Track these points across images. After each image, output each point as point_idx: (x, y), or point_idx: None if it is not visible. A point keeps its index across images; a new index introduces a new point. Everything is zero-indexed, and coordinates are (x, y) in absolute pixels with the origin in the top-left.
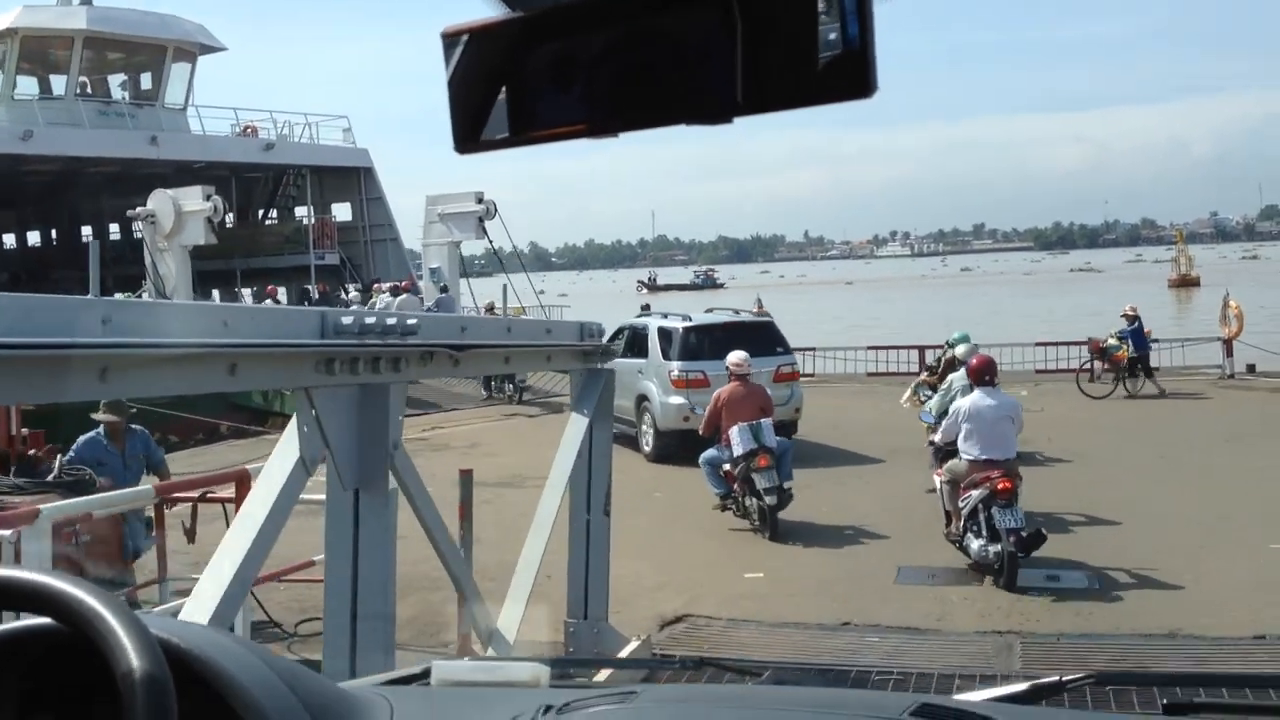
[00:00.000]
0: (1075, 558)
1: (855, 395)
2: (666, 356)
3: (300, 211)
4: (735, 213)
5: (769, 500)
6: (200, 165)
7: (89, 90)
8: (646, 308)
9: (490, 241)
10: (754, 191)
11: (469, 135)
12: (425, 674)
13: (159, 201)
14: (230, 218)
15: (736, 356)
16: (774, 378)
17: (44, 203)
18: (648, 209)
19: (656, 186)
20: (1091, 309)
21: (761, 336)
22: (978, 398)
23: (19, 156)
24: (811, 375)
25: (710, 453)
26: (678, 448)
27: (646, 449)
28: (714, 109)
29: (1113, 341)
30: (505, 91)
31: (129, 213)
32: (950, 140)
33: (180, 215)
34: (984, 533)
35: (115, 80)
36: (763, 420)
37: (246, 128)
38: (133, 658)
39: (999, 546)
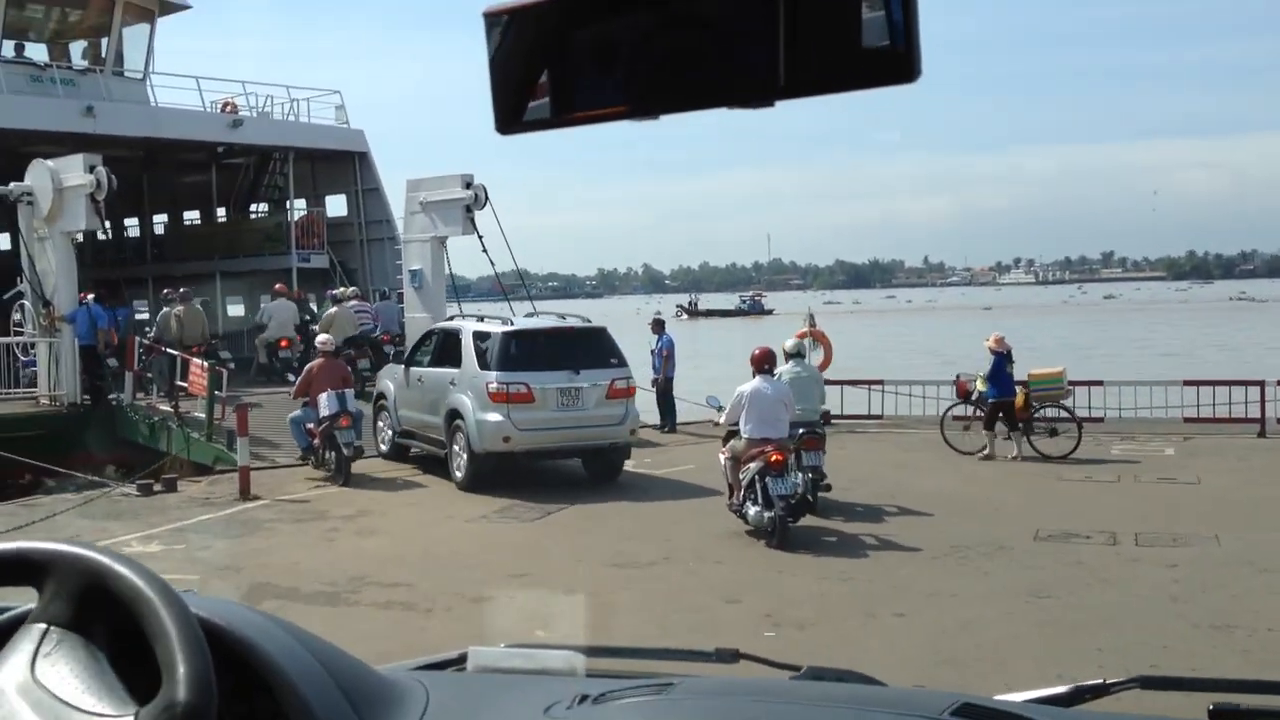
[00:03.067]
0: None
1: (932, 448)
2: (484, 366)
3: (296, 204)
4: (852, 236)
5: (347, 453)
6: (165, 144)
7: (48, 58)
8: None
9: (480, 237)
10: (872, 216)
11: (511, 116)
12: (461, 659)
13: (37, 175)
14: (221, 213)
15: (323, 337)
16: (607, 393)
17: None
18: (763, 232)
19: (773, 209)
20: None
21: (593, 345)
22: (758, 384)
23: None
24: (880, 418)
25: (297, 414)
26: (495, 473)
27: (458, 475)
28: (756, 92)
29: (980, 385)
30: (547, 73)
31: None
32: (1076, 165)
33: (61, 193)
34: (760, 500)
35: (77, 48)
36: (346, 390)
37: (225, 104)
38: (181, 670)
39: (772, 512)
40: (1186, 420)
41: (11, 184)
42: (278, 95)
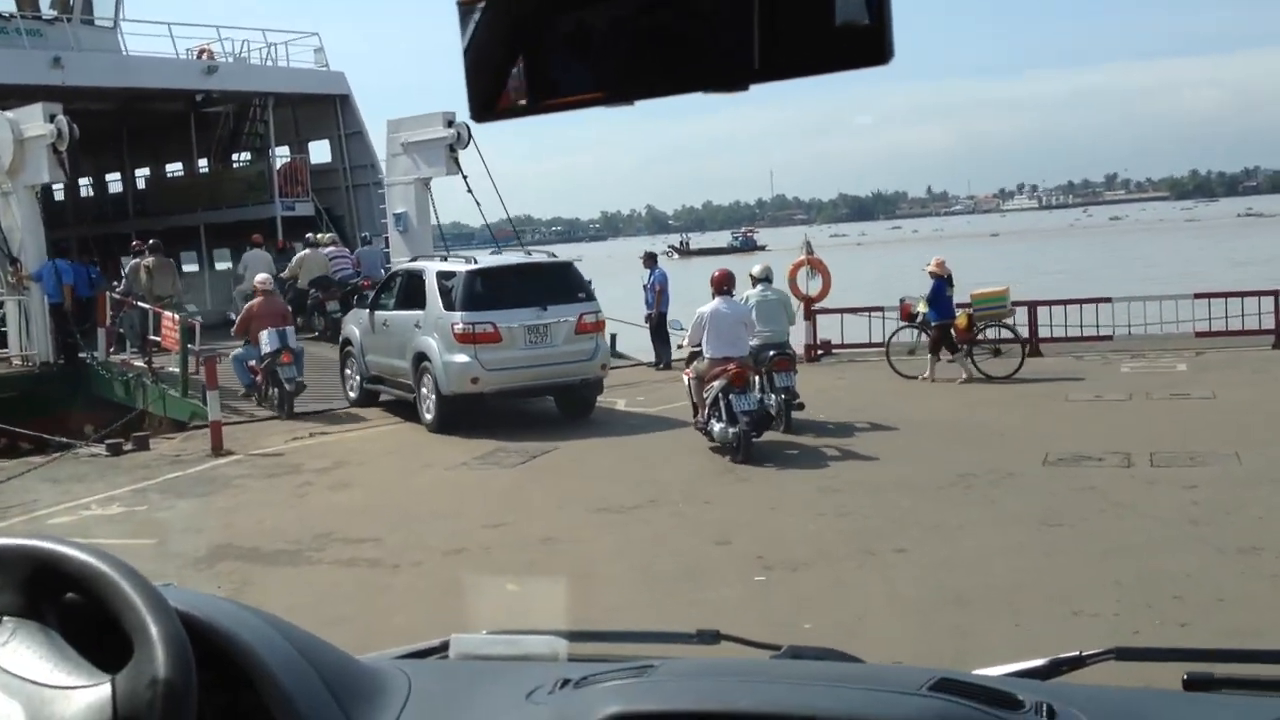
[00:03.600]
0: None
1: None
2: (448, 306)
3: (280, 152)
4: (855, 170)
5: (289, 388)
6: (140, 95)
7: (15, 8)
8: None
9: (465, 177)
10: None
11: (487, 104)
12: (444, 647)
13: None
14: (203, 164)
15: (262, 277)
16: (575, 328)
17: None
18: (765, 168)
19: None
20: None
21: (559, 281)
22: (718, 304)
23: None
24: (882, 345)
25: (239, 351)
26: (465, 414)
27: (428, 418)
28: (731, 76)
29: (922, 307)
30: (522, 59)
31: None
32: (1077, 87)
33: (22, 145)
34: (724, 416)
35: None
36: (286, 327)
37: (200, 50)
38: (154, 630)
39: (736, 428)
40: (1198, 335)
41: None
42: (254, 40)
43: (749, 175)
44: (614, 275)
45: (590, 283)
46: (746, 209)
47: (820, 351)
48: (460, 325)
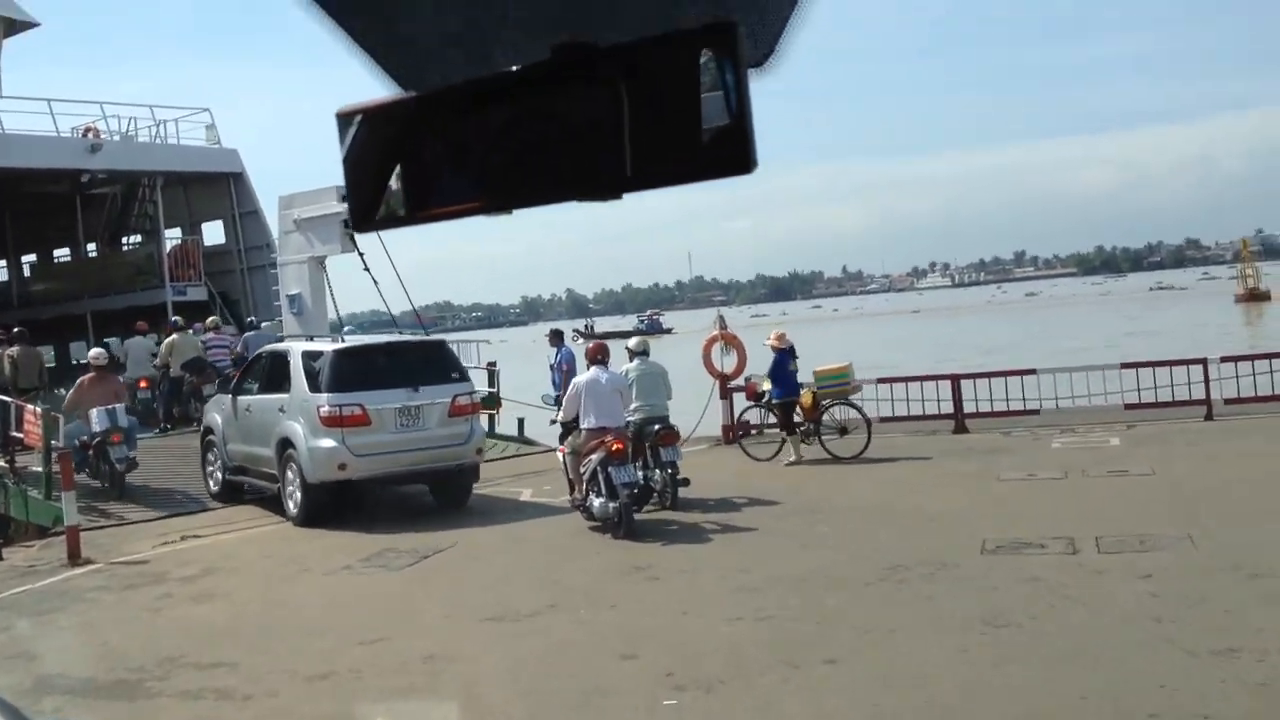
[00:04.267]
0: None
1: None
2: (314, 388)
3: (171, 234)
4: (771, 250)
5: (120, 467)
6: (18, 175)
7: None
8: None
9: (361, 255)
10: (788, 228)
11: (365, 214)
12: None
13: None
14: (92, 248)
15: (95, 352)
16: (450, 410)
17: None
18: (683, 251)
19: (691, 228)
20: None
21: (432, 361)
22: (594, 374)
23: None
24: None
25: (69, 427)
26: (332, 505)
27: (293, 510)
28: (605, 185)
29: (766, 384)
30: (400, 170)
31: None
32: (983, 168)
33: None
34: (604, 490)
35: None
36: (117, 405)
37: (86, 129)
38: None
39: (617, 502)
40: (1128, 407)
41: None
42: (142, 117)
43: (668, 258)
44: (537, 359)
45: (494, 363)
46: (666, 291)
47: (741, 433)
48: (326, 408)
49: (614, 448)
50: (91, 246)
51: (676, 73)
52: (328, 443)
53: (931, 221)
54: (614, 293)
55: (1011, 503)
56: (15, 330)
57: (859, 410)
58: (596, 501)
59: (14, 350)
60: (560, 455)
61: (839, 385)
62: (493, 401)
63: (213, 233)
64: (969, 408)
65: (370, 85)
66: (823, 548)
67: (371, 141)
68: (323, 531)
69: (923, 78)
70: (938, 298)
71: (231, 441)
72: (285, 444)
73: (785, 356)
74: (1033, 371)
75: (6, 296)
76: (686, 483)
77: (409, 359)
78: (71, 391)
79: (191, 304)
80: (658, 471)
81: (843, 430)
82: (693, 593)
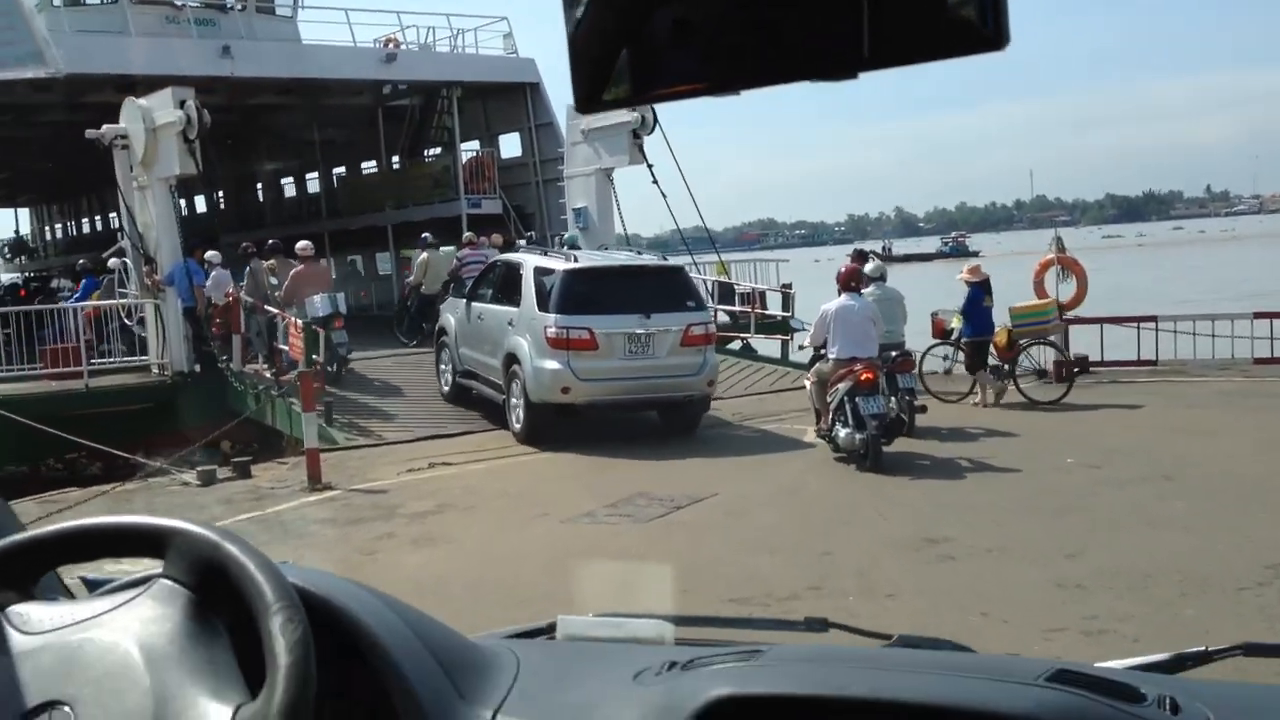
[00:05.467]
0: None
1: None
2: (543, 306)
3: (468, 146)
4: (1123, 168)
5: (342, 351)
6: (319, 86)
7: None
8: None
9: (650, 166)
10: (1143, 145)
11: (591, 94)
12: (551, 628)
13: (129, 115)
14: (396, 160)
15: (303, 244)
16: (682, 339)
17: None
18: (1025, 167)
19: (1034, 143)
20: None
21: (667, 286)
22: (844, 301)
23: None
24: (1153, 363)
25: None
26: (554, 426)
27: (516, 426)
28: (839, 65)
29: (956, 321)
30: (626, 50)
31: (88, 133)
32: None
33: (155, 134)
34: (850, 421)
35: None
36: (337, 293)
37: (387, 40)
38: (273, 603)
39: (864, 433)
40: None
41: (104, 126)
42: (440, 26)
43: (1006, 175)
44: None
45: (790, 285)
46: (1003, 210)
47: (1076, 369)
48: (554, 329)
49: (862, 377)
50: (396, 160)
51: None
52: (552, 364)
53: None
54: (946, 211)
55: None
56: (270, 243)
57: (1061, 351)
58: (843, 432)
59: (272, 262)
60: (806, 382)
61: (1036, 323)
62: (784, 328)
63: (510, 145)
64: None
65: None
66: (1149, 524)
67: (597, 20)
68: (576, 465)
69: None
70: None
71: (463, 345)
72: (511, 359)
73: (980, 292)
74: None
75: (317, 208)
76: (924, 409)
77: (644, 283)
78: (287, 282)
79: (486, 216)
80: (893, 399)
81: (1041, 373)
82: (998, 584)
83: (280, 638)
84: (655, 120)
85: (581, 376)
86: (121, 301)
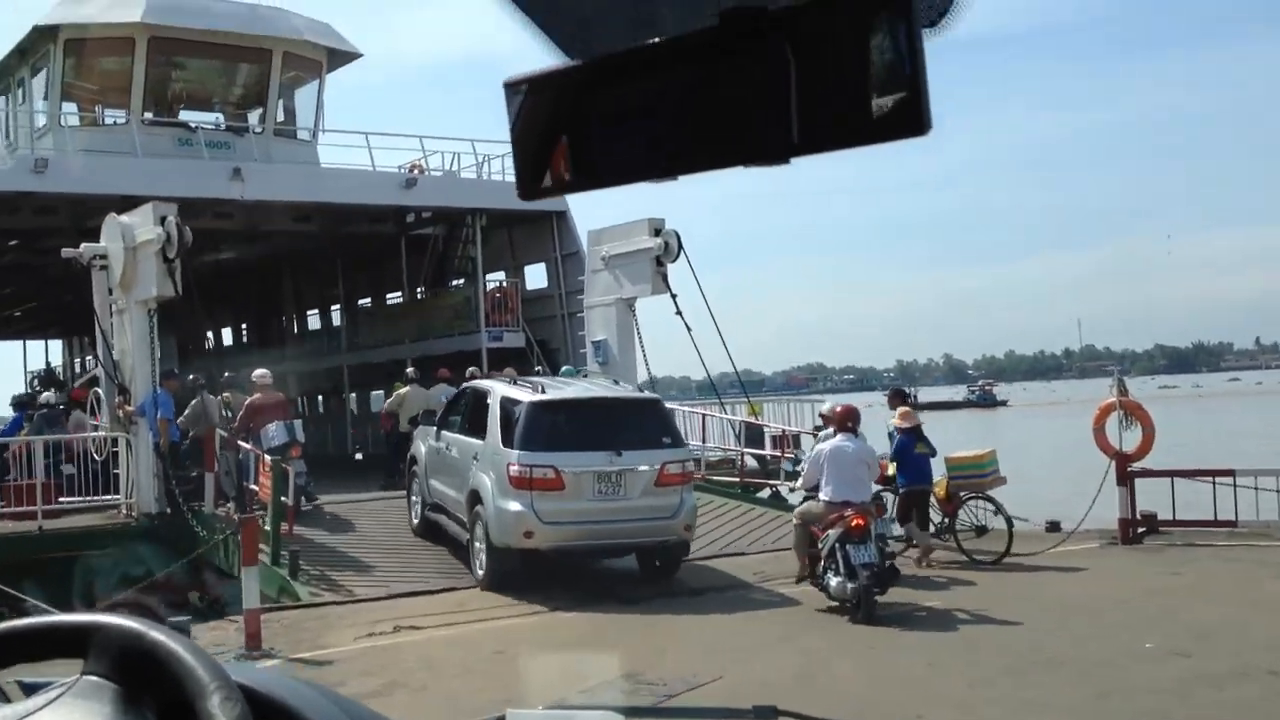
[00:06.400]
0: None
1: None
2: (508, 441)
3: (495, 277)
4: (1169, 319)
5: (299, 481)
6: (337, 212)
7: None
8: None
9: (674, 296)
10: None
11: (533, 181)
12: None
13: (109, 232)
14: (421, 291)
15: (260, 372)
16: (657, 479)
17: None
18: (1073, 318)
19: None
20: None
21: (641, 420)
22: (839, 442)
23: (26, 195)
24: (1233, 525)
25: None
26: (517, 573)
27: (479, 572)
28: (771, 150)
29: (891, 470)
30: (566, 138)
31: (64, 252)
32: None
33: (134, 253)
34: (841, 570)
35: (255, 116)
36: (294, 421)
37: (412, 166)
38: (209, 683)
39: (856, 583)
40: None
41: (82, 245)
42: (464, 152)
43: (1055, 325)
44: (873, 425)
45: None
46: (1052, 359)
47: (1142, 529)
48: (516, 467)
49: (854, 524)
50: (421, 290)
51: (846, 35)
52: (515, 506)
53: None
54: (995, 359)
55: None
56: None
57: (999, 507)
58: (834, 580)
59: (226, 395)
60: (792, 524)
61: (973, 475)
62: None
63: (536, 276)
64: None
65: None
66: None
67: (537, 110)
68: (556, 630)
69: None
70: None
71: (432, 477)
72: (475, 498)
73: (909, 439)
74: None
75: (337, 342)
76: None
77: (616, 417)
78: (241, 411)
79: (508, 350)
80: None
81: (980, 530)
82: None
83: (221, 716)
84: (680, 247)
85: (546, 519)
86: (79, 435)
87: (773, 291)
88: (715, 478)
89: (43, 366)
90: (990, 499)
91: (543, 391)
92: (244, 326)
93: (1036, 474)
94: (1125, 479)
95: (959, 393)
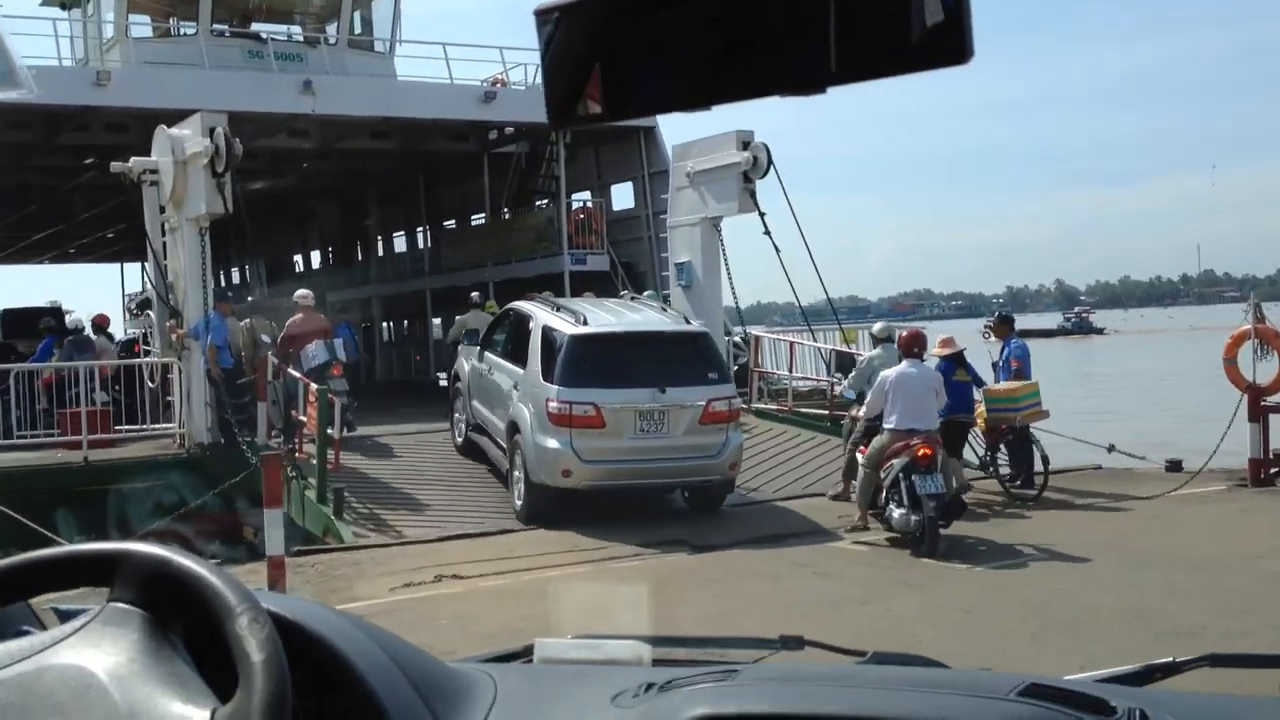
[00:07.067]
0: None
1: None
2: (547, 375)
3: (579, 197)
4: None
5: (343, 400)
6: (413, 128)
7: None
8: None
9: (762, 215)
10: None
11: (564, 109)
12: (528, 651)
13: (159, 146)
14: (506, 212)
15: (301, 292)
16: (701, 416)
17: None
18: (1192, 243)
19: (1203, 219)
20: None
21: (687, 355)
22: (904, 368)
23: (93, 110)
24: None
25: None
26: (554, 508)
27: (517, 503)
28: (807, 79)
29: None
30: (599, 66)
31: (113, 166)
32: None
33: (184, 166)
34: (905, 501)
35: (332, 28)
36: (334, 340)
37: (494, 80)
38: (236, 605)
39: (920, 515)
40: None
41: (131, 159)
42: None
43: (1173, 250)
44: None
45: None
46: (1168, 284)
47: (1275, 470)
48: (555, 404)
49: (920, 453)
50: (506, 211)
51: None
52: (553, 443)
53: None
54: (1109, 285)
55: None
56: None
57: (1035, 442)
58: (897, 512)
59: (249, 321)
60: (859, 457)
61: (1010, 408)
62: None
63: (623, 196)
64: None
65: None
66: None
67: (569, 38)
68: (612, 584)
69: None
70: None
71: (475, 398)
72: (514, 428)
73: (950, 365)
74: None
75: (420, 265)
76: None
77: (661, 351)
78: (283, 332)
79: (592, 274)
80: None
81: (1015, 474)
82: None
83: (250, 637)
84: (770, 162)
85: (585, 458)
86: (144, 361)
87: (877, 218)
88: (802, 409)
89: (138, 290)
90: (1029, 433)
91: (585, 323)
92: (330, 249)
93: (1128, 410)
94: (1259, 414)
95: (1054, 319)
